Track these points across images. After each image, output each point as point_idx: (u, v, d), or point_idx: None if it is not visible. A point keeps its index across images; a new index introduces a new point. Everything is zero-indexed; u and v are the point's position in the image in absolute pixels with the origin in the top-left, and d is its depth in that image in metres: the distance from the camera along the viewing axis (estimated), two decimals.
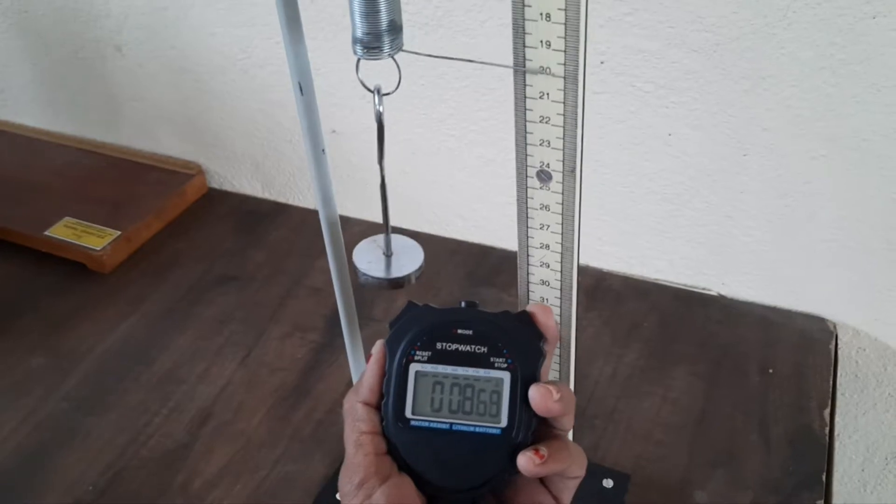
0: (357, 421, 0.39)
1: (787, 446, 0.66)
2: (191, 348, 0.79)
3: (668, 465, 0.65)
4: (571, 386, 0.48)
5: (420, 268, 0.46)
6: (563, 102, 0.37)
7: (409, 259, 0.46)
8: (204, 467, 0.67)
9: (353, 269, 0.46)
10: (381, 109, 0.40)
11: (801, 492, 0.63)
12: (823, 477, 0.64)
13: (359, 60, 0.39)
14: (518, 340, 0.39)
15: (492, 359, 0.39)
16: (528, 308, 0.40)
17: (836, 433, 0.80)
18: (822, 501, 0.62)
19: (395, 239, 0.47)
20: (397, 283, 0.45)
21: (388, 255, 0.46)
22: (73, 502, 0.65)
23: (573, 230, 0.41)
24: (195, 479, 0.66)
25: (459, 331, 0.39)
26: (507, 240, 0.89)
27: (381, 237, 0.47)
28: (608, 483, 0.63)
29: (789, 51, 0.64)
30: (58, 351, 0.79)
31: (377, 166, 0.43)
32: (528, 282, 0.44)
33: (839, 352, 0.78)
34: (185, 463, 0.68)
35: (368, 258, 0.46)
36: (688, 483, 0.64)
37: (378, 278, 0.45)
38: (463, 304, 0.41)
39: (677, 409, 0.70)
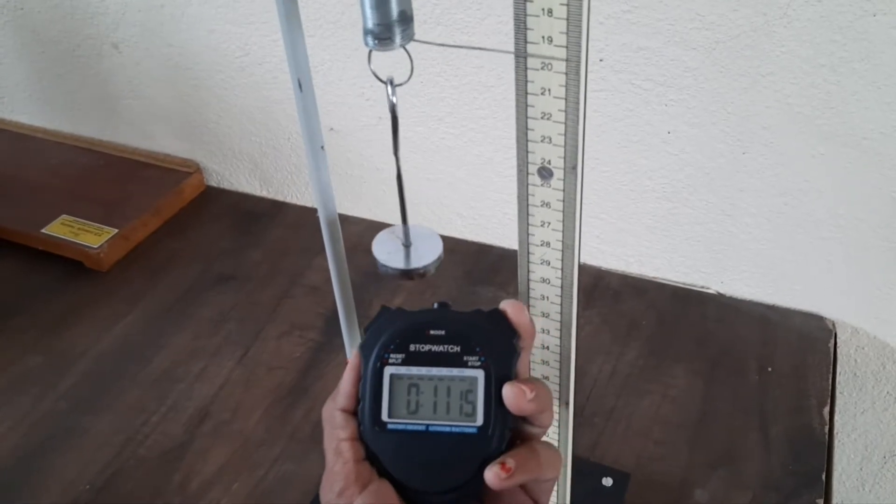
0: (336, 428, 0.39)
1: (786, 445, 0.66)
2: (188, 347, 0.78)
3: (667, 464, 0.65)
4: (571, 383, 0.47)
5: (440, 258, 0.45)
6: (565, 99, 0.36)
7: (428, 249, 0.45)
8: (201, 467, 0.67)
9: (373, 260, 0.45)
10: (394, 101, 0.40)
11: (800, 491, 0.63)
12: (823, 476, 0.64)
13: (370, 52, 0.39)
14: (491, 338, 0.39)
15: (465, 358, 0.39)
16: (501, 306, 0.40)
17: (834, 432, 0.79)
18: (822, 500, 0.62)
19: (414, 229, 0.46)
20: (417, 274, 0.45)
21: (406, 245, 0.46)
22: (71, 502, 0.65)
23: (574, 227, 0.40)
24: (193, 478, 0.66)
25: (432, 332, 0.39)
26: (505, 238, 0.88)
27: (399, 227, 0.46)
28: (608, 482, 0.62)
29: (789, 48, 0.64)
30: (55, 350, 0.78)
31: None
32: (529, 279, 0.44)
33: (838, 350, 0.78)
34: (183, 462, 0.67)
35: (388, 249, 0.45)
36: (688, 482, 0.64)
37: (398, 269, 0.45)
38: (435, 305, 0.41)
39: (677, 407, 0.70)
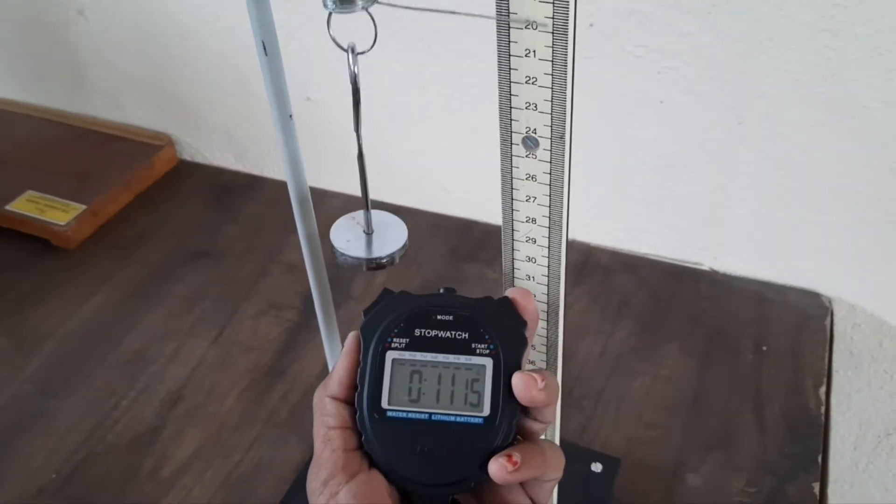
0: (325, 416, 0.37)
1: (782, 426, 0.64)
2: (160, 327, 0.76)
3: (659, 448, 0.63)
4: (559, 366, 0.45)
5: (404, 246, 0.43)
6: (552, 61, 0.33)
7: (391, 237, 0.43)
8: (174, 452, 0.65)
9: (331, 248, 0.43)
10: (356, 70, 0.37)
11: (796, 473, 0.61)
12: (819, 458, 0.62)
13: (330, 15, 0.35)
14: (500, 326, 0.37)
15: (473, 345, 0.37)
16: (509, 294, 0.38)
17: (830, 412, 0.78)
18: (818, 483, 0.60)
19: (376, 215, 0.44)
20: (379, 264, 0.42)
21: (368, 233, 0.43)
22: (37, 490, 0.63)
23: (562, 202, 0.37)
24: (165, 464, 0.64)
25: (439, 317, 0.37)
26: (491, 213, 0.86)
27: (360, 213, 0.43)
28: (597, 467, 0.60)
29: (788, 12, 0.62)
30: (20, 331, 0.76)
31: (354, 134, 0.40)
32: (514, 258, 0.41)
33: (834, 328, 0.76)
34: (155, 448, 0.66)
35: (347, 237, 0.43)
36: (680, 465, 0.62)
37: (358, 258, 0.42)
38: (441, 290, 0.39)
39: (669, 388, 0.68)
